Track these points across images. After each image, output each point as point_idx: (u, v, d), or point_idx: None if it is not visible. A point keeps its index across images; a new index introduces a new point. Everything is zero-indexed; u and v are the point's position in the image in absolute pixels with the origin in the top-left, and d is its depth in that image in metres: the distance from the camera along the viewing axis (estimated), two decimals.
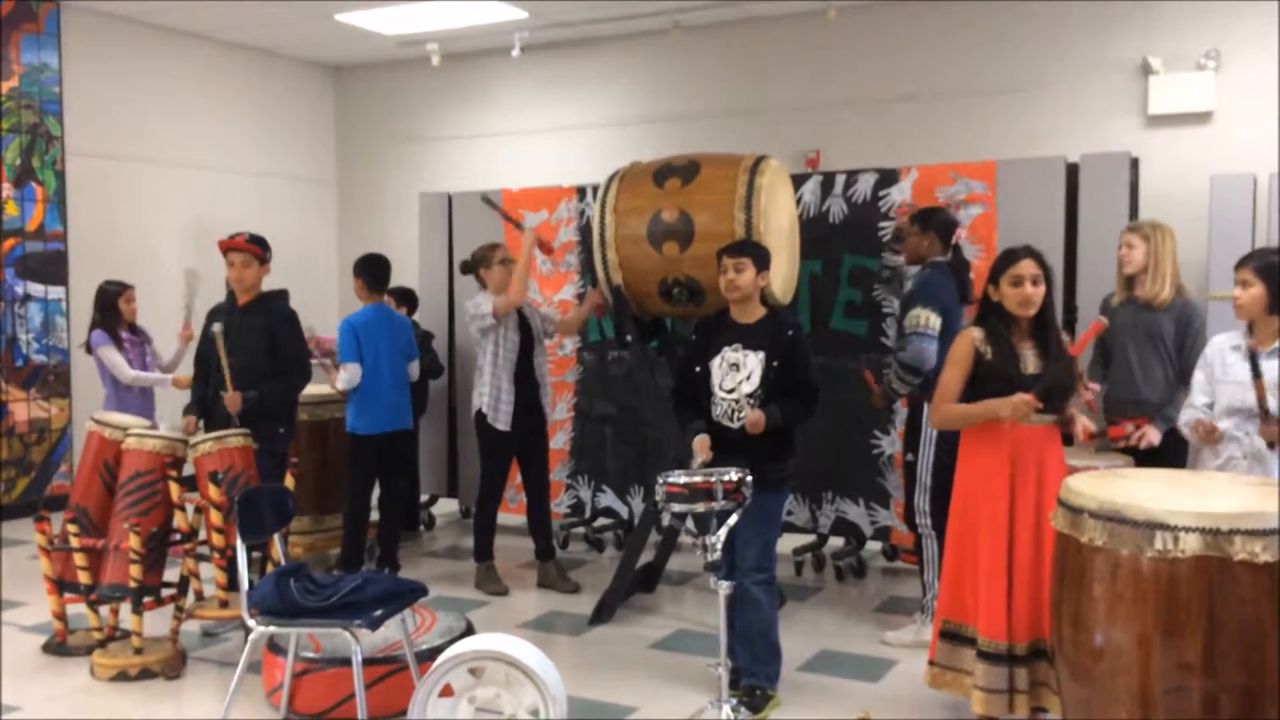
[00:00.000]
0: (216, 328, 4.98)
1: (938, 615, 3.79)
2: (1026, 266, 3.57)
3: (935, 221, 4.71)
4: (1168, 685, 2.78)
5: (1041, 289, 3.58)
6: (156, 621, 4.69)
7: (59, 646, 4.69)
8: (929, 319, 4.44)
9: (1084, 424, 3.63)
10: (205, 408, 5.12)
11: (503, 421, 5.44)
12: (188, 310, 6.04)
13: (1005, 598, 3.54)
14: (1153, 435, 4.38)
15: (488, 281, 5.52)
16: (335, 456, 6.07)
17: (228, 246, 5.04)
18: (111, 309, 6.12)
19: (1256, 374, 3.60)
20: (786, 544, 5.73)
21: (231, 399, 4.89)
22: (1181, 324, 4.49)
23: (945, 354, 3.85)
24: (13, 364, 7.39)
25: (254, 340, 5.00)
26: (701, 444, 3.96)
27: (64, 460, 7.65)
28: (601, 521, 6.57)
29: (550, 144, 8.89)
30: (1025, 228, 4.90)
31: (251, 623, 3.57)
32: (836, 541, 6.04)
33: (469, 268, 5.70)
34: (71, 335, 7.62)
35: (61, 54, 7.68)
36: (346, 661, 3.62)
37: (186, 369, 5.61)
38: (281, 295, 5.18)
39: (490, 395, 5.43)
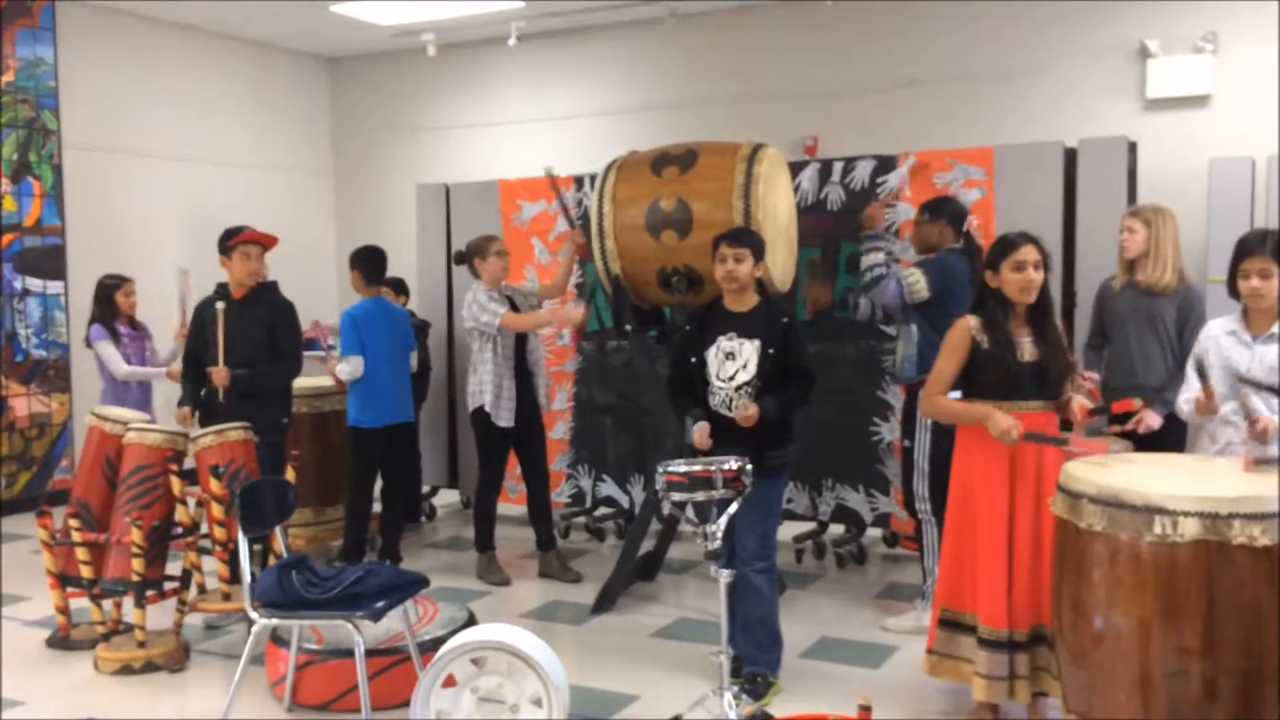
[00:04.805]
0: (219, 305, 4.97)
1: (936, 603, 3.80)
2: (1029, 252, 3.57)
3: (946, 210, 4.75)
4: (1168, 669, 2.79)
5: (1042, 274, 3.58)
6: (159, 615, 4.70)
7: (62, 641, 4.70)
8: (918, 284, 4.57)
9: (1080, 401, 3.62)
10: (198, 400, 5.10)
11: (505, 418, 5.44)
12: (183, 309, 5.95)
13: (1005, 585, 3.54)
14: (1152, 419, 4.38)
15: (482, 272, 5.51)
16: (336, 449, 6.07)
17: (252, 238, 5.02)
18: (108, 303, 6.13)
19: (1204, 382, 3.59)
20: (787, 531, 5.73)
21: (219, 373, 4.88)
22: (1183, 310, 4.48)
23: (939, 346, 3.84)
24: (13, 359, 7.38)
25: (255, 330, 5.00)
26: (701, 433, 3.97)
27: (65, 455, 7.66)
28: (602, 511, 6.58)
29: (547, 133, 8.87)
30: (1023, 213, 4.90)
31: (254, 615, 3.58)
32: (837, 529, 6.05)
33: (462, 259, 5.69)
34: (71, 330, 7.62)
35: (57, 48, 7.66)
36: (349, 653, 3.64)
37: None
38: (275, 287, 5.19)
39: (492, 392, 5.43)
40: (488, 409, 5.44)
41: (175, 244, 8.44)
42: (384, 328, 5.64)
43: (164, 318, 6.60)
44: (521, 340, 5.53)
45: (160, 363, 6.33)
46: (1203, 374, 3.60)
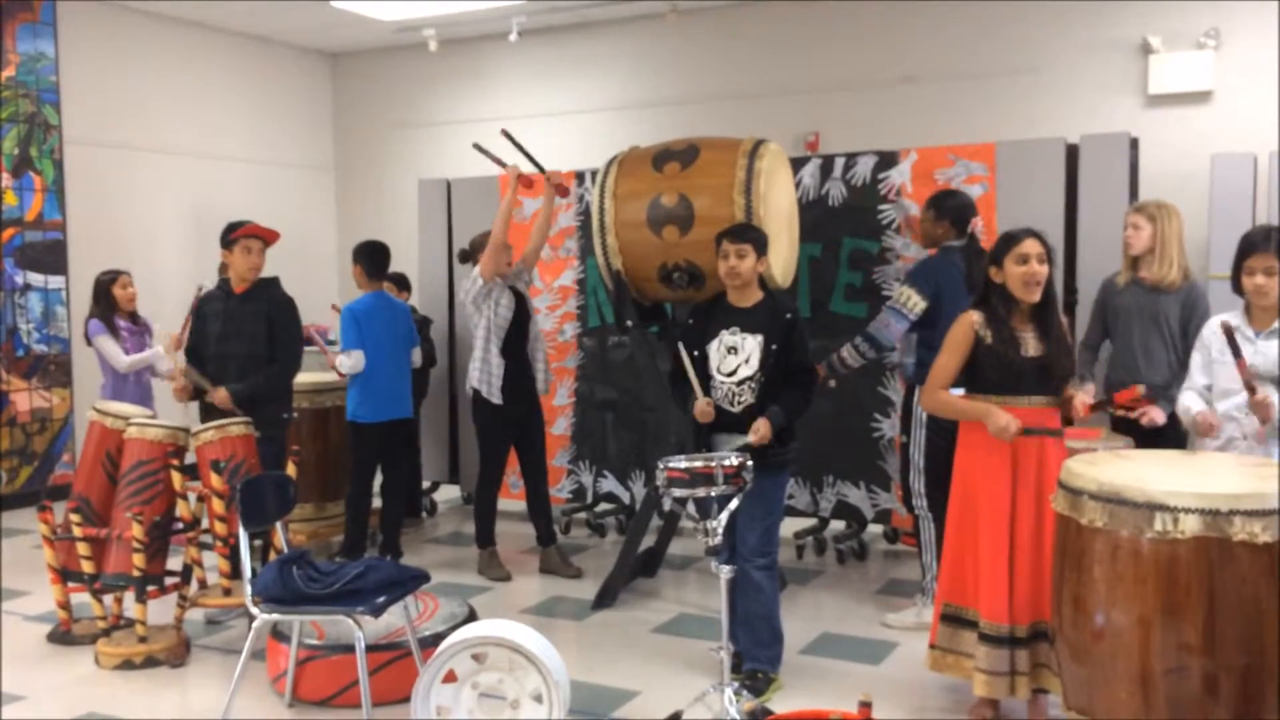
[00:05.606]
0: (202, 287, 5.06)
1: (938, 598, 3.80)
2: (1032, 245, 3.56)
3: (950, 206, 4.67)
4: (1168, 665, 2.79)
5: (1046, 268, 3.57)
6: (160, 610, 4.70)
7: (63, 636, 4.71)
8: (911, 299, 4.46)
9: (1082, 399, 3.62)
10: (202, 369, 5.11)
11: (495, 394, 5.37)
12: (187, 324, 5.84)
13: (1007, 580, 3.54)
14: (1157, 415, 4.36)
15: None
16: (336, 444, 6.07)
17: (254, 232, 5.03)
18: (106, 297, 6.12)
19: (1237, 354, 3.58)
20: (788, 527, 5.72)
21: (219, 396, 4.90)
22: (1187, 307, 4.47)
23: (940, 336, 3.83)
24: (14, 354, 7.39)
25: (255, 327, 5.01)
26: (704, 403, 3.96)
27: (66, 450, 7.66)
28: (603, 507, 6.58)
29: (548, 129, 8.84)
30: (1025, 209, 4.89)
31: (255, 610, 3.58)
32: (837, 525, 6.05)
33: (467, 255, 5.70)
34: (72, 325, 7.62)
35: (58, 43, 7.66)
36: (350, 648, 3.64)
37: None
38: (276, 283, 5.20)
39: (481, 368, 5.39)
40: (477, 385, 5.38)
41: (177, 239, 8.44)
42: (384, 323, 5.65)
43: (164, 311, 6.61)
44: (520, 328, 5.49)
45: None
46: (1236, 350, 3.58)
